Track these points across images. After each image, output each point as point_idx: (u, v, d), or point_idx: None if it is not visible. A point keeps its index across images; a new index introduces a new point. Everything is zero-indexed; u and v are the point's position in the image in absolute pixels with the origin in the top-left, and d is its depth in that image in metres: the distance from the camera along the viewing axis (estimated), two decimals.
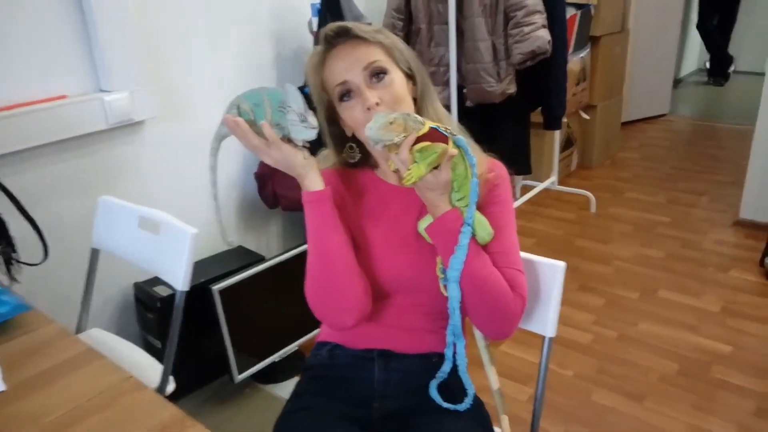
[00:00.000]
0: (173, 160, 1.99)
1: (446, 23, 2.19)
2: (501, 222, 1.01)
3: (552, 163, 3.17)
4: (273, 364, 2.03)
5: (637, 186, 3.46)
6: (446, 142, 0.91)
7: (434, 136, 0.90)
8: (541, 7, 2.11)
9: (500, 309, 0.96)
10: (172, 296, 1.91)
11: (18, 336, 1.00)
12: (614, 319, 2.26)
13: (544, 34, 2.10)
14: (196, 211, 2.11)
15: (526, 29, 2.09)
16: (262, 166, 2.16)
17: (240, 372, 1.93)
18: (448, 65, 2.26)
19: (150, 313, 1.94)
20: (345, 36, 0.99)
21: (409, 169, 0.89)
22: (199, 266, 2.03)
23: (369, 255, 1.03)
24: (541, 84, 2.37)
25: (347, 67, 0.98)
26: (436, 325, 1.06)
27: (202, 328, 1.90)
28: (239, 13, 2.06)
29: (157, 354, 2.06)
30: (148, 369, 1.45)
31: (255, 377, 2.05)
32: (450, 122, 1.06)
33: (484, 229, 0.97)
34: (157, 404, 0.83)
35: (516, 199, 3.03)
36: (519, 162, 2.54)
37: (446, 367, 1.02)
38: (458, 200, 0.97)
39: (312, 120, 0.92)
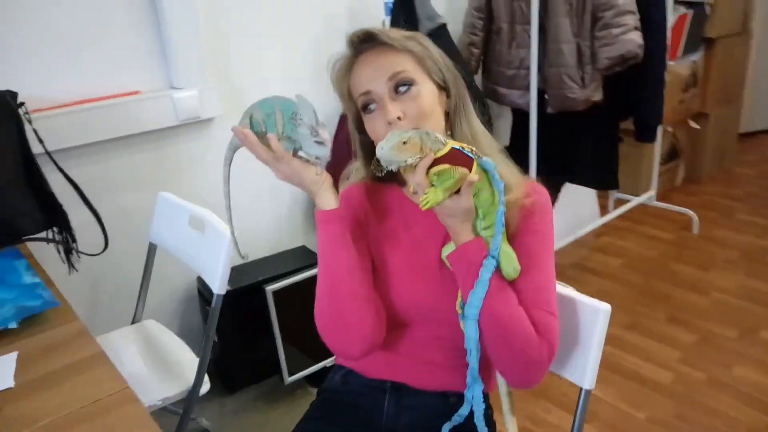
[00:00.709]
0: (238, 159, 1.99)
1: (529, 23, 2.04)
2: (534, 255, 0.89)
3: (651, 176, 2.90)
4: (325, 368, 2.00)
5: (751, 207, 3.08)
6: (470, 165, 0.82)
7: (457, 157, 0.81)
8: (633, 6, 1.90)
9: (522, 355, 0.84)
10: (229, 293, 1.93)
11: (43, 331, 1.02)
12: (705, 359, 2.00)
13: (635, 38, 1.89)
14: (260, 211, 2.13)
15: (615, 31, 1.89)
16: (328, 167, 2.13)
17: (291, 374, 1.92)
18: (529, 68, 2.11)
19: (209, 307, 1.97)
20: (371, 42, 0.92)
21: (425, 193, 0.81)
22: (258, 264, 2.05)
23: (386, 279, 0.95)
24: (633, 92, 2.15)
25: (371, 76, 0.91)
26: (457, 362, 0.96)
27: (257, 326, 1.91)
28: (311, 12, 2.04)
29: (214, 349, 2.10)
30: (188, 366, 1.46)
31: (307, 379, 2.03)
32: (486, 141, 0.96)
33: (509, 263, 0.86)
34: (142, 422, 0.80)
35: (607, 213, 2.80)
36: (604, 175, 2.33)
37: (464, 410, 0.92)
38: (484, 229, 0.86)
39: (324, 134, 0.85)
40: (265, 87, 1.96)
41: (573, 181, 2.33)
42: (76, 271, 1.56)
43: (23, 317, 1.02)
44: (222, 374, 2.07)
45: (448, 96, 0.95)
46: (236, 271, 2.00)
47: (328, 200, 0.90)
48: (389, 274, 0.95)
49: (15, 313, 1.02)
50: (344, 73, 0.95)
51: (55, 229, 1.49)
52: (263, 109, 0.89)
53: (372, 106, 0.92)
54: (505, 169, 0.92)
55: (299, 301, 1.90)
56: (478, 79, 2.39)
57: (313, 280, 1.86)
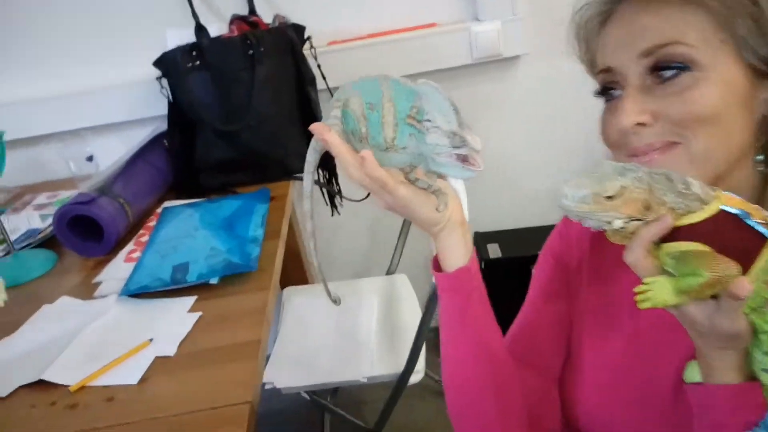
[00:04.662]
0: (549, 105, 1.67)
1: None
2: None
3: None
4: None
5: None
6: (756, 250, 0.41)
7: (725, 231, 0.42)
8: None
9: None
10: (500, 260, 1.70)
11: (233, 294, 0.99)
12: None
13: None
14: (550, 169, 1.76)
15: None
16: None
17: None
18: None
19: None
20: None
21: (645, 283, 0.43)
22: (525, 234, 1.76)
23: (576, 380, 0.60)
24: None
25: (618, 42, 0.54)
26: None
27: (517, 303, 1.65)
28: None
29: None
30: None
31: None
32: None
33: None
34: None
35: None
36: None
37: None
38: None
39: (474, 143, 0.51)
40: None
41: None
42: (339, 214, 1.56)
43: (224, 274, 1.01)
44: None
45: None
46: (513, 237, 1.76)
47: (451, 250, 0.58)
48: (582, 373, 0.60)
49: (222, 267, 1.02)
50: (595, 28, 0.58)
51: (319, 171, 1.49)
52: (365, 95, 0.54)
53: (615, 93, 0.56)
54: None
55: None
56: None
57: None
